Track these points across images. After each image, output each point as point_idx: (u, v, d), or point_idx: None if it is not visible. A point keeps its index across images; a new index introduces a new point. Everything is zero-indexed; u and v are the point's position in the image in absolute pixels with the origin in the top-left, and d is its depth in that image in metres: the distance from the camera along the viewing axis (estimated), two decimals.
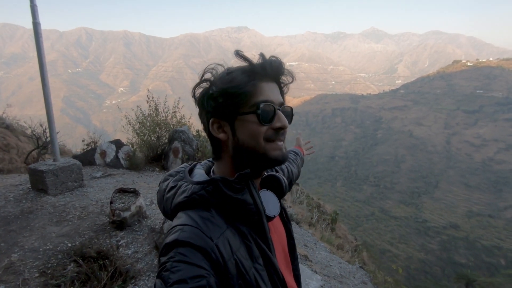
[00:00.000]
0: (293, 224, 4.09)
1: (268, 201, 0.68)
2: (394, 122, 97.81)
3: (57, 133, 7.28)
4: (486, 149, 74.76)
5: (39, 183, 4.06)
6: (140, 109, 6.45)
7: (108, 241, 2.91)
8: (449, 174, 70.12)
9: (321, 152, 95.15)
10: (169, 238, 0.54)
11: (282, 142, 0.66)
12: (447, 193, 63.30)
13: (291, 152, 1.19)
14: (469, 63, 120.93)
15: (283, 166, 0.92)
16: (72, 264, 2.57)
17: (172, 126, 6.44)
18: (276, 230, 0.73)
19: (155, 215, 3.52)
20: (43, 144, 7.34)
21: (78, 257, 2.59)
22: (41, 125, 7.47)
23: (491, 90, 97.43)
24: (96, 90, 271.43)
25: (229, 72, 0.63)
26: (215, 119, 0.64)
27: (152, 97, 6.45)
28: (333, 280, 2.56)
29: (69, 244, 2.85)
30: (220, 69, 0.66)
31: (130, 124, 6.38)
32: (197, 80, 0.67)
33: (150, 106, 6.45)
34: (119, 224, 3.08)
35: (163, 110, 6.56)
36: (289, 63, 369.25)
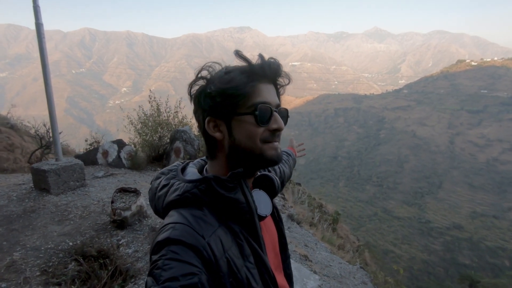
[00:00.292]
0: (294, 224, 4.09)
1: (260, 200, 0.68)
2: (397, 122, 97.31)
3: (60, 133, 7.34)
4: (490, 149, 74.16)
5: (41, 183, 4.09)
6: (142, 109, 6.48)
7: (108, 240, 2.93)
8: (453, 174, 69.64)
9: (324, 152, 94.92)
10: (161, 236, 0.54)
11: (277, 143, 0.67)
12: (451, 193, 62.86)
13: (284, 152, 1.19)
14: (473, 63, 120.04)
15: (275, 166, 0.91)
16: (73, 263, 2.59)
17: (174, 126, 6.46)
18: (268, 229, 0.74)
19: (156, 215, 3.54)
20: (46, 144, 7.39)
21: (79, 256, 2.61)
22: (44, 125, 7.53)
23: (495, 90, 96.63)
24: (99, 91, 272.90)
25: (228, 71, 0.63)
26: (211, 118, 0.64)
27: (154, 97, 6.48)
28: (333, 280, 2.56)
29: (70, 243, 2.87)
30: (218, 68, 0.66)
31: (132, 124, 6.41)
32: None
33: (152, 106, 6.48)
34: (120, 224, 3.09)
35: (165, 110, 6.59)
36: (291, 63, 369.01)
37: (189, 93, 0.67)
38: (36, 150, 7.79)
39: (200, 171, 0.72)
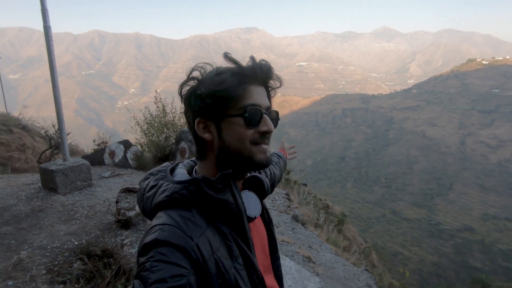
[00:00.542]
0: (299, 225, 4.06)
1: (250, 201, 0.68)
2: (406, 122, 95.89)
3: (68, 133, 7.47)
4: (502, 150, 72.39)
5: (49, 182, 4.17)
6: (149, 110, 6.55)
7: (113, 240, 2.96)
8: (464, 175, 68.24)
9: (331, 152, 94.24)
10: (148, 238, 0.53)
11: (267, 146, 0.67)
12: (462, 195, 61.62)
13: (274, 155, 1.19)
14: (484, 62, 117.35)
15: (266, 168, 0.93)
16: (78, 262, 2.63)
17: (179, 127, 6.50)
18: (258, 230, 0.74)
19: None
20: (56, 145, 7.53)
21: (84, 255, 2.65)
22: (53, 126, 7.68)
23: (508, 89, 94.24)
24: (108, 92, 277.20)
25: (219, 73, 0.63)
26: (201, 119, 0.64)
27: (160, 98, 6.54)
28: (336, 282, 2.53)
29: (76, 242, 2.91)
30: (209, 69, 0.65)
31: (138, 125, 6.48)
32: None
33: (158, 107, 6.54)
34: (124, 223, 3.13)
35: (171, 111, 6.64)
36: (298, 63, 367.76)
37: (180, 94, 0.67)
38: (46, 150, 7.94)
39: (190, 172, 0.72)
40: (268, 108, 0.67)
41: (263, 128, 0.64)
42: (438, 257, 42.68)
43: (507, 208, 54.88)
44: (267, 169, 0.93)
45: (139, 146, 6.31)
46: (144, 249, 0.53)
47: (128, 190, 3.45)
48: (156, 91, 7.19)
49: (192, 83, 0.65)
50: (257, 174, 0.76)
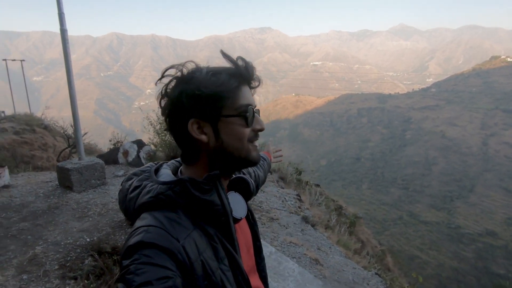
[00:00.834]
0: (308, 227, 4.01)
1: (236, 203, 0.68)
2: (425, 122, 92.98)
3: (86, 133, 7.69)
4: None
5: (65, 181, 4.31)
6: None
7: (123, 237, 3.02)
8: (486, 177, 65.41)
9: (346, 153, 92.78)
10: (133, 240, 0.52)
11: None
12: (484, 198, 59.08)
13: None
14: (509, 59, 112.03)
15: (250, 170, 0.92)
16: (89, 258, 2.70)
17: None
18: (243, 232, 0.74)
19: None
20: (74, 144, 7.81)
21: (95, 251, 2.72)
22: (71, 126, 7.95)
23: None
24: (126, 92, 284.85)
25: (215, 73, 0.62)
26: (196, 120, 0.62)
27: None
28: (344, 286, 2.46)
29: (88, 239, 2.99)
30: (190, 67, 0.64)
31: (151, 125, 6.60)
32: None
33: None
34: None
35: None
36: (312, 62, 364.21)
37: (165, 94, 0.64)
38: (64, 149, 8.24)
39: (174, 172, 0.71)
40: (255, 107, 0.68)
41: (257, 126, 0.66)
42: (458, 262, 41.14)
43: None
44: (251, 171, 0.92)
45: (152, 146, 6.43)
46: (128, 252, 0.51)
47: None
48: None
49: (182, 82, 0.63)
50: (242, 175, 0.76)
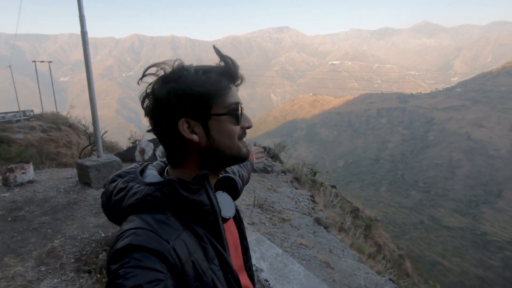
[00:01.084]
0: (321, 229, 3.94)
1: (224, 202, 0.68)
2: (449, 123, 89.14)
3: (105, 132, 7.95)
4: None
5: (84, 177, 4.47)
6: None
7: None
8: None
9: (365, 154, 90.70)
10: (121, 244, 0.50)
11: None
12: None
13: None
14: None
15: (234, 170, 0.91)
16: (103, 253, 2.78)
17: None
18: (230, 231, 0.74)
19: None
20: (94, 142, 8.11)
21: (109, 247, 2.80)
22: (92, 125, 8.27)
23: None
24: None
25: (205, 72, 0.62)
26: (186, 119, 0.60)
27: None
28: None
29: (103, 234, 3.09)
30: (174, 66, 0.63)
31: None
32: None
33: None
34: None
35: None
36: (331, 62, 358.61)
37: (151, 93, 0.62)
38: (86, 147, 8.57)
39: (160, 173, 0.69)
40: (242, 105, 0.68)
41: (245, 124, 0.66)
42: (484, 271, 39.14)
43: None
44: (236, 171, 0.92)
45: None
46: (116, 256, 0.49)
47: None
48: None
49: (171, 81, 0.61)
50: (229, 174, 0.76)
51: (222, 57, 0.64)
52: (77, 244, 2.91)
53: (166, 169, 0.69)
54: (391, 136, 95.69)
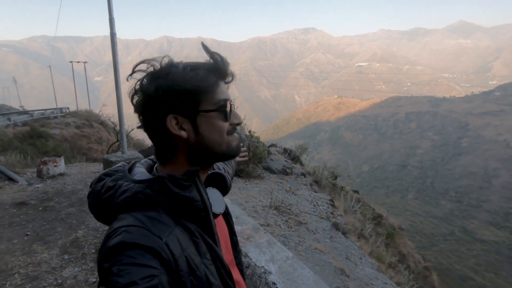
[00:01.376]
0: (339, 234, 3.83)
1: (214, 198, 0.68)
2: (485, 129, 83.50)
3: (132, 130, 8.28)
4: None
5: None
6: None
7: None
8: None
9: (391, 159, 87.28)
10: (113, 241, 0.49)
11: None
12: None
13: None
14: None
15: (220, 166, 0.93)
16: None
17: None
18: (220, 227, 0.74)
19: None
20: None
21: None
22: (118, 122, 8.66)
23: None
24: None
25: (193, 68, 0.62)
26: (174, 116, 0.61)
27: None
28: None
29: None
30: (163, 62, 0.62)
31: None
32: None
33: None
34: None
35: None
36: (358, 63, 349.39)
37: (140, 89, 0.62)
38: (114, 143, 8.99)
39: (149, 171, 0.69)
40: (231, 102, 0.68)
41: (235, 120, 0.67)
42: None
43: None
44: (221, 167, 0.93)
45: None
46: (108, 254, 0.49)
47: None
48: None
49: (160, 78, 0.60)
50: (219, 171, 0.77)
51: (210, 54, 0.64)
52: (98, 235, 3.05)
53: (155, 166, 0.69)
54: (421, 141, 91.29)
